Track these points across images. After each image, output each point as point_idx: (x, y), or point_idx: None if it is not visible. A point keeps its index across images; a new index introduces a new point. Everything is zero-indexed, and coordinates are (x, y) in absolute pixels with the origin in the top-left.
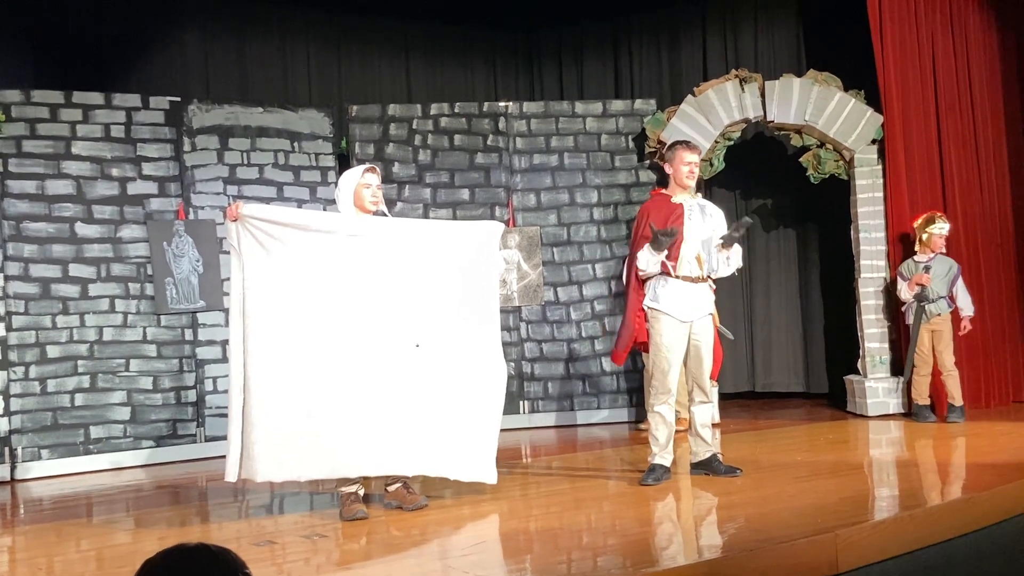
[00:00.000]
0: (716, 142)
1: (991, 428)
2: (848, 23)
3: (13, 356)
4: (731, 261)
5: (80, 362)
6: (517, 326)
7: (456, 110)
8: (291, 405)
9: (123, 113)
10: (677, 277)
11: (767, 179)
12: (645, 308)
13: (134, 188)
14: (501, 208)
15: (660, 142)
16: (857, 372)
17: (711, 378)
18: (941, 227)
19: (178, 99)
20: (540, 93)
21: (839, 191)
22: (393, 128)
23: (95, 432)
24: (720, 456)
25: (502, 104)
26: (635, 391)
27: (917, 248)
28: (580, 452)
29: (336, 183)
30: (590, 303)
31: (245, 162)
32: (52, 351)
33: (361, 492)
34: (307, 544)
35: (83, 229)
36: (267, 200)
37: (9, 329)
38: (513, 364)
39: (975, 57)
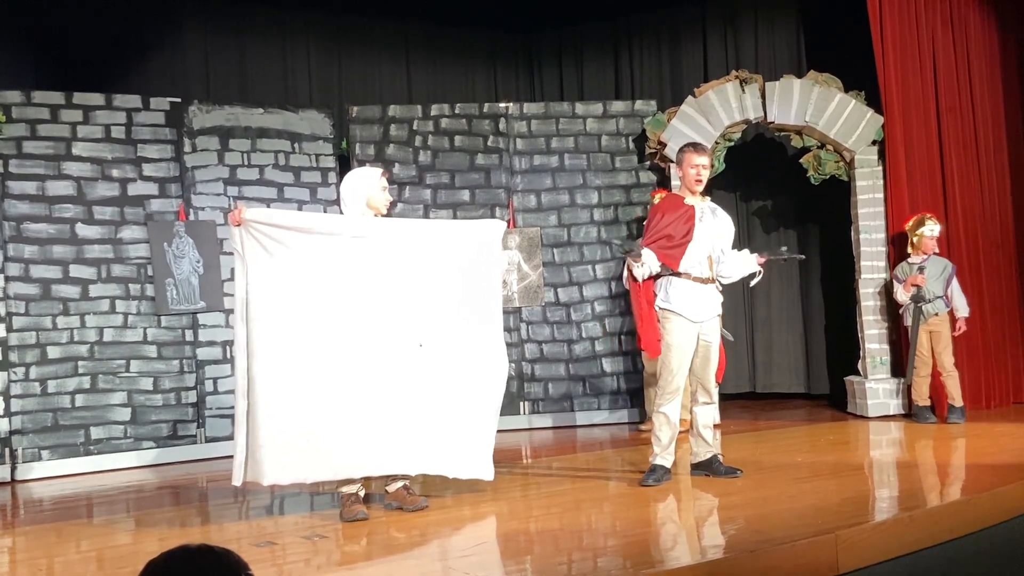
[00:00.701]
0: (716, 143)
1: (991, 429)
2: (848, 23)
3: (14, 357)
4: (743, 270)
5: (80, 363)
6: (517, 327)
7: (456, 111)
8: (296, 408)
9: (124, 114)
10: (681, 275)
11: (767, 180)
12: (657, 309)
13: (135, 189)
14: (501, 209)
15: (660, 143)
16: (857, 373)
17: (716, 379)
18: (932, 229)
19: (179, 100)
20: (540, 94)
21: (839, 192)
22: (393, 129)
23: (95, 433)
24: (720, 457)
25: (502, 105)
26: (635, 392)
27: (910, 250)
28: (580, 453)
29: (337, 184)
30: (590, 304)
31: (245, 163)
32: (52, 352)
33: (362, 493)
34: (307, 545)
35: (84, 230)
36: (268, 201)
37: (10, 330)
38: (513, 365)
39: (975, 58)
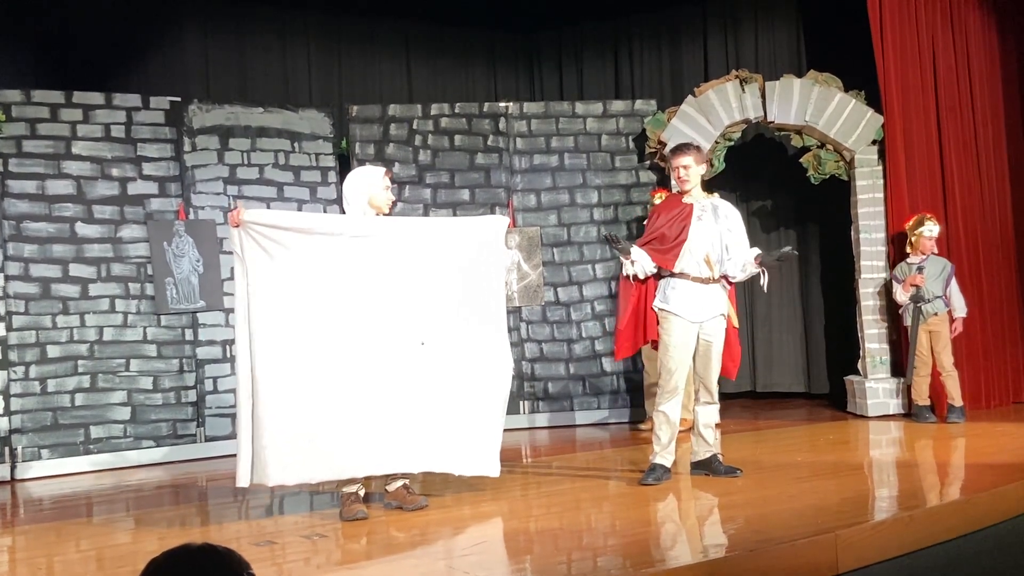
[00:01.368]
0: (716, 143)
1: (991, 428)
2: (848, 23)
3: (13, 356)
4: (746, 270)
5: (80, 362)
6: (517, 326)
7: (456, 110)
8: (299, 408)
9: (123, 113)
10: (680, 275)
11: (767, 180)
12: (655, 309)
13: (134, 188)
14: (501, 208)
15: (660, 142)
16: (857, 373)
17: (730, 377)
18: (931, 229)
19: (178, 99)
20: (540, 93)
21: (839, 192)
22: (393, 128)
23: (95, 432)
24: (720, 456)
25: (502, 104)
26: (635, 391)
27: (908, 250)
28: (580, 452)
29: (337, 183)
30: (590, 303)
31: (245, 162)
32: (52, 351)
33: (362, 492)
34: (307, 544)
35: (83, 229)
36: (267, 200)
37: (9, 329)
38: (513, 364)
39: (975, 58)
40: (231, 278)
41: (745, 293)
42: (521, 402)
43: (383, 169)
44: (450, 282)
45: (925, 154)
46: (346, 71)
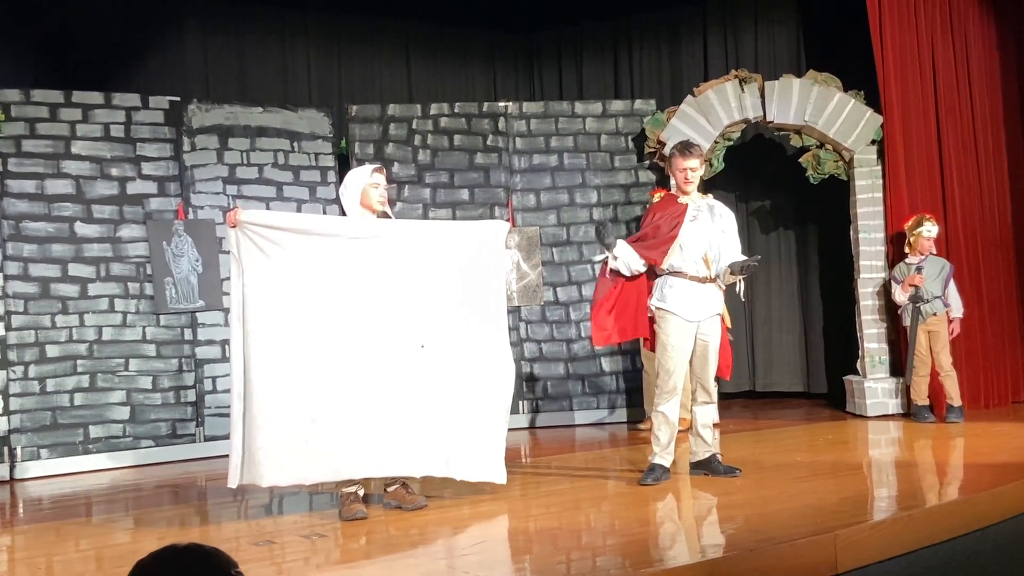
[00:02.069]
0: (716, 142)
1: (990, 428)
2: (848, 23)
3: (12, 356)
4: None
5: (79, 362)
6: (517, 326)
7: (456, 110)
8: (295, 410)
9: (123, 113)
10: (678, 274)
11: (767, 179)
12: (652, 308)
13: (133, 188)
14: (501, 208)
15: (660, 142)
16: (856, 372)
17: (724, 377)
18: (929, 229)
19: (178, 99)
20: (540, 93)
21: (838, 191)
22: (393, 128)
23: (94, 432)
24: (719, 456)
25: (502, 104)
26: (634, 391)
27: (907, 250)
28: (579, 452)
29: (336, 183)
30: (589, 303)
31: (245, 162)
32: (51, 350)
33: (361, 492)
34: (306, 544)
35: (82, 229)
36: (267, 200)
37: (8, 329)
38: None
39: (975, 58)
40: (230, 278)
41: (745, 293)
42: (520, 402)
43: (371, 167)
44: (450, 283)
45: (924, 154)
46: (346, 71)
